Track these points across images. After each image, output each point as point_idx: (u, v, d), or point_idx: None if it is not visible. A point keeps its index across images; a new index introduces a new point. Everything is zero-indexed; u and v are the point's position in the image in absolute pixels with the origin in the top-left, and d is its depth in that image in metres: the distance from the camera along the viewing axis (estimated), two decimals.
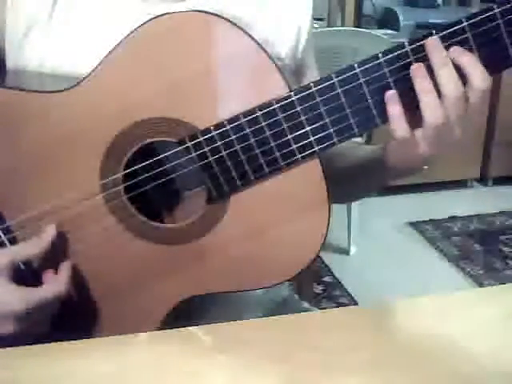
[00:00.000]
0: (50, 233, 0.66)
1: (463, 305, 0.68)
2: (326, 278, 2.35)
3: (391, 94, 0.59)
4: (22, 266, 0.67)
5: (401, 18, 3.10)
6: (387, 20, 3.20)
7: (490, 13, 0.56)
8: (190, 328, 0.63)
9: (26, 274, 0.67)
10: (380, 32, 2.69)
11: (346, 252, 2.55)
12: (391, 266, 2.43)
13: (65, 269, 0.67)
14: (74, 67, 0.69)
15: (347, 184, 0.80)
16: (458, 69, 0.58)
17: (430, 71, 0.58)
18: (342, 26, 3.07)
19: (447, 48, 0.58)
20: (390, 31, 3.03)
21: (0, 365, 0.57)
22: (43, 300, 0.64)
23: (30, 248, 0.66)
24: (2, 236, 0.67)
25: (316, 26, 2.65)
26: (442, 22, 3.07)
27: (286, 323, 0.66)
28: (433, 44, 0.58)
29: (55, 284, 0.65)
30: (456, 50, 0.58)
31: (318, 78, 0.62)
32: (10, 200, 0.67)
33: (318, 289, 2.27)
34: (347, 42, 2.29)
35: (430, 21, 3.11)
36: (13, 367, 0.57)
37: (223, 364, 0.57)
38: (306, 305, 0.89)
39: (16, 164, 0.66)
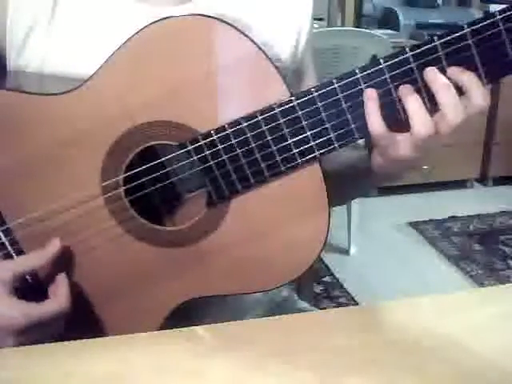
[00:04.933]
0: (54, 245, 0.66)
1: (463, 305, 0.68)
2: (326, 278, 2.36)
3: (370, 92, 0.59)
4: (28, 277, 0.67)
5: (401, 17, 3.10)
6: (387, 20, 3.20)
7: (492, 19, 0.56)
8: (190, 328, 0.63)
9: (29, 285, 0.67)
10: (380, 32, 2.69)
11: (346, 252, 2.55)
12: (391, 265, 2.43)
13: (62, 283, 0.66)
14: (74, 69, 0.69)
15: (334, 187, 0.80)
16: (459, 87, 0.58)
17: (418, 88, 0.59)
18: (342, 25, 3.07)
19: (448, 55, 0.58)
20: (390, 31, 3.03)
21: (0, 365, 0.57)
22: (45, 316, 0.63)
23: (34, 260, 0.66)
24: (3, 237, 0.67)
25: (316, 26, 2.65)
26: (441, 22, 3.08)
27: (286, 323, 0.66)
28: (432, 73, 0.58)
29: (56, 299, 0.65)
30: (456, 70, 0.58)
31: (318, 82, 0.62)
32: (10, 201, 0.67)
33: (318, 289, 2.27)
34: (347, 42, 2.29)
35: (430, 21, 3.12)
36: (13, 367, 0.57)
37: (223, 364, 0.57)
38: (305, 305, 0.89)
39: (17, 165, 0.66)
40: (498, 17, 0.56)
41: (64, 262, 0.68)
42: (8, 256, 0.68)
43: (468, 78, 0.57)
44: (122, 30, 0.64)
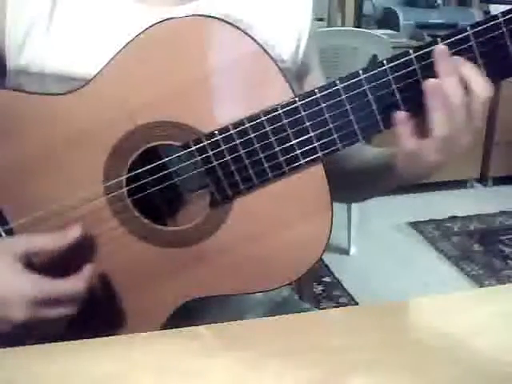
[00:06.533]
0: (74, 231, 0.65)
1: (463, 305, 0.68)
2: (326, 278, 2.36)
3: (402, 116, 0.60)
4: (34, 259, 0.66)
5: (401, 18, 3.10)
6: (387, 20, 3.20)
7: (495, 21, 0.56)
8: (190, 328, 0.63)
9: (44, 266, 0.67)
10: (380, 32, 2.68)
11: (346, 252, 2.55)
12: (391, 265, 2.43)
13: (88, 269, 0.65)
14: (75, 68, 0.69)
15: (355, 185, 0.80)
16: (460, 78, 0.58)
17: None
18: (342, 25, 3.07)
19: (451, 55, 0.58)
20: (390, 31, 3.03)
21: (0, 365, 0.57)
22: (57, 292, 0.62)
23: (49, 241, 0.65)
24: (5, 237, 0.67)
25: (316, 26, 2.64)
26: (441, 22, 3.08)
27: (286, 323, 0.66)
28: (440, 52, 0.58)
29: (74, 280, 0.64)
30: (458, 60, 0.58)
31: (323, 82, 0.62)
32: (12, 201, 0.67)
33: (318, 289, 2.27)
34: (347, 41, 2.29)
35: (430, 21, 3.12)
36: (12, 367, 0.57)
37: (224, 364, 0.57)
38: (306, 305, 0.89)
39: (19, 165, 0.66)
40: (501, 19, 0.56)
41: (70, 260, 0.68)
42: None
43: (469, 70, 0.58)
44: (122, 30, 0.64)
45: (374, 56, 2.25)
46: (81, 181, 0.66)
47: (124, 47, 0.63)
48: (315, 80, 0.81)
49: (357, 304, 2.16)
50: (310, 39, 0.80)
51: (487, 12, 3.23)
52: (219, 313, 0.78)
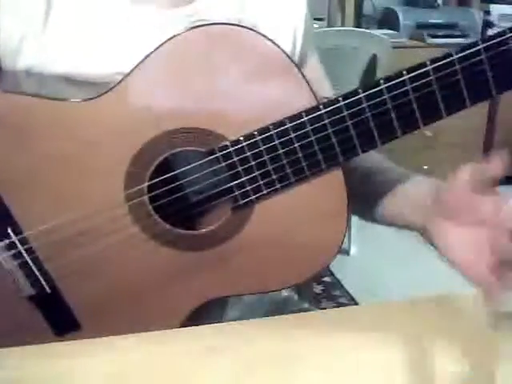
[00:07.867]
0: None
1: (463, 305, 0.68)
2: (326, 278, 2.36)
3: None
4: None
5: (401, 17, 3.10)
6: (387, 20, 3.20)
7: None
8: (190, 328, 0.63)
9: None
10: (380, 32, 2.69)
11: (346, 252, 2.55)
12: (391, 266, 2.43)
13: None
14: (73, 70, 0.69)
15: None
16: None
17: None
18: (342, 25, 3.07)
19: (463, 69, 0.59)
20: (390, 31, 3.03)
21: (0, 365, 0.57)
22: None
23: None
24: (19, 246, 0.67)
25: (316, 26, 2.64)
26: (441, 22, 3.08)
27: (286, 323, 0.66)
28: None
29: None
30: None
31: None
32: (29, 209, 0.66)
33: (318, 289, 2.27)
34: (347, 41, 2.29)
35: (430, 21, 3.12)
36: (12, 367, 0.57)
37: (224, 364, 0.57)
38: (306, 305, 0.89)
39: (37, 172, 0.65)
40: (509, 34, 0.58)
41: (86, 268, 0.67)
42: (24, 265, 0.67)
43: None
44: (120, 31, 0.64)
45: (374, 56, 2.25)
46: (102, 187, 0.65)
47: (151, 53, 0.62)
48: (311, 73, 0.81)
49: (357, 304, 2.16)
50: (307, 37, 0.80)
51: (487, 12, 3.23)
52: (219, 313, 0.78)
